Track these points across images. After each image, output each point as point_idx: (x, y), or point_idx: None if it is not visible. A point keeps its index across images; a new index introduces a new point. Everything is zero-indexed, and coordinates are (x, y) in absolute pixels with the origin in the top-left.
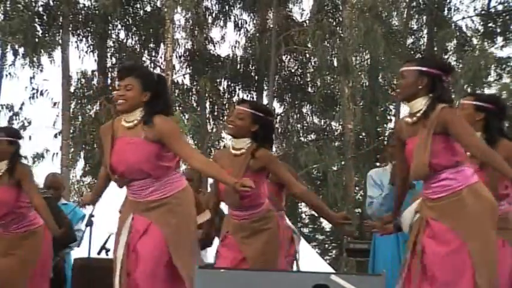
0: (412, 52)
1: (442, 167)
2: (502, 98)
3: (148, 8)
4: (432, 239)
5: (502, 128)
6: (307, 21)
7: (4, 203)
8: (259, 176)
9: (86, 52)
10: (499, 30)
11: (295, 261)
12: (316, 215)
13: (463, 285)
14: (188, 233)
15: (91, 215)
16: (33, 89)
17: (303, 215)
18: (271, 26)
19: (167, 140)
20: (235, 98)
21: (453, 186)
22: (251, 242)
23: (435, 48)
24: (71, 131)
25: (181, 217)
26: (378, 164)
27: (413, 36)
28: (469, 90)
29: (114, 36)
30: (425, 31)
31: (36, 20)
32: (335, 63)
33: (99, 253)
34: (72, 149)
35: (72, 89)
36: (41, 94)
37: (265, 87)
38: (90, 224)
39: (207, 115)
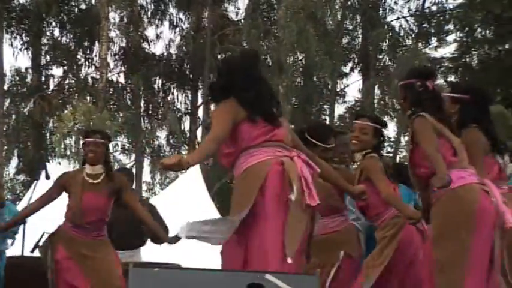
0: (347, 52)
1: (428, 175)
2: (480, 87)
3: (83, 6)
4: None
5: (480, 118)
6: (242, 21)
7: (97, 208)
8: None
9: (20, 49)
10: (433, 31)
11: None
12: None
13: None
14: None
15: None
16: None
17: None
18: (207, 24)
19: None
20: (169, 97)
21: (438, 191)
22: None
23: (370, 48)
24: (5, 129)
25: None
26: None
27: (348, 36)
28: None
29: (48, 33)
30: (359, 31)
31: None
32: (269, 63)
33: (32, 251)
34: (6, 147)
35: (6, 87)
36: None
37: (200, 86)
38: (23, 222)
39: (142, 113)
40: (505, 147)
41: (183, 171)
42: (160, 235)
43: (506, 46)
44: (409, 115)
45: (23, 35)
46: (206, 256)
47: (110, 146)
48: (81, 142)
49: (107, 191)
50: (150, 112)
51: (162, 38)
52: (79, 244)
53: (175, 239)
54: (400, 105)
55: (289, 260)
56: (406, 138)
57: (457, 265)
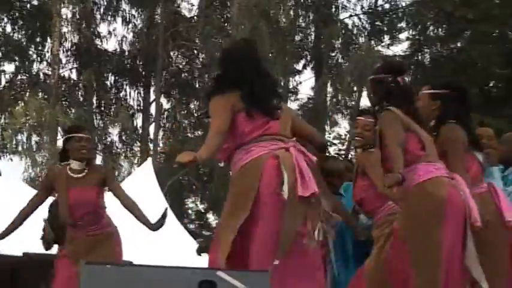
0: (300, 49)
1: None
2: (457, 82)
3: (35, 2)
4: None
5: (458, 113)
6: (195, 17)
7: (85, 202)
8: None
9: None
10: (385, 28)
11: None
12: (202, 210)
13: (405, 285)
14: None
15: None
16: None
17: (190, 211)
18: (159, 21)
19: None
20: (122, 93)
21: (407, 185)
22: None
23: (322, 46)
24: None
25: None
26: None
27: (301, 34)
28: (355, 88)
29: (0, 29)
30: (312, 29)
31: None
32: None
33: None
34: None
35: None
36: None
37: (153, 83)
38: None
39: (94, 110)
40: (483, 145)
41: (136, 168)
42: (146, 223)
43: (458, 44)
44: (377, 110)
45: None
46: (158, 253)
47: (62, 142)
48: (60, 137)
49: (93, 181)
50: (103, 108)
51: (114, 35)
52: (77, 243)
53: (159, 225)
54: (369, 99)
55: (276, 262)
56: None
57: (431, 260)
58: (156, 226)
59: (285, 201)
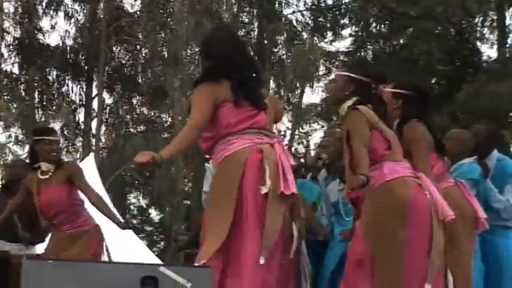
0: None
1: None
2: (420, 83)
3: None
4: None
5: (421, 113)
6: (138, 12)
7: (55, 202)
8: None
9: None
10: (328, 25)
11: None
12: (144, 206)
13: (368, 285)
14: None
15: None
16: None
17: (132, 207)
18: (102, 16)
19: None
20: (64, 88)
21: (372, 184)
22: None
23: (266, 42)
24: None
25: None
26: (207, 156)
27: (244, 29)
28: (298, 84)
29: None
30: (256, 24)
31: None
32: (166, 55)
33: None
34: None
35: None
36: None
37: (95, 78)
38: None
39: (36, 104)
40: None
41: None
42: (114, 220)
43: (401, 41)
44: (346, 108)
45: None
46: None
47: (4, 137)
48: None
49: (59, 180)
50: (45, 103)
51: (57, 29)
52: (54, 242)
53: (127, 225)
54: (336, 93)
55: (261, 261)
56: (301, 130)
57: (394, 260)
58: (125, 225)
59: (266, 197)
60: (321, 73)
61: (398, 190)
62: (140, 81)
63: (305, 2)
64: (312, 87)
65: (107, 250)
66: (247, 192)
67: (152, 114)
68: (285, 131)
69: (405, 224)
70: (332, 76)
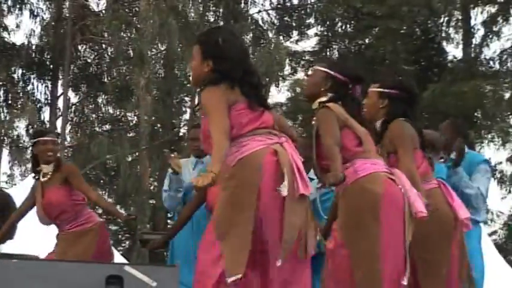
0: None
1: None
2: (409, 82)
3: None
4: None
5: (407, 112)
6: (103, 11)
7: (56, 203)
8: None
9: None
10: (294, 24)
11: None
12: None
13: (346, 283)
14: None
15: None
16: None
17: (96, 206)
18: (67, 15)
19: None
20: (29, 87)
21: (345, 183)
22: None
23: None
24: None
25: None
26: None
27: None
28: (263, 83)
29: None
30: (222, 23)
31: None
32: (131, 54)
33: None
34: None
35: None
36: None
37: (61, 77)
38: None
39: (1, 103)
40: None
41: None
42: (117, 214)
43: (366, 40)
44: (318, 104)
45: None
46: None
47: None
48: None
49: (57, 181)
50: (10, 102)
51: (22, 28)
52: (59, 242)
53: (130, 218)
54: (311, 88)
55: (278, 263)
56: None
57: (371, 258)
58: (128, 218)
59: (284, 200)
60: (286, 72)
61: (369, 185)
62: (106, 80)
63: (271, 1)
64: (278, 87)
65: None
66: (266, 197)
67: (118, 113)
68: None
69: (377, 219)
70: (310, 71)
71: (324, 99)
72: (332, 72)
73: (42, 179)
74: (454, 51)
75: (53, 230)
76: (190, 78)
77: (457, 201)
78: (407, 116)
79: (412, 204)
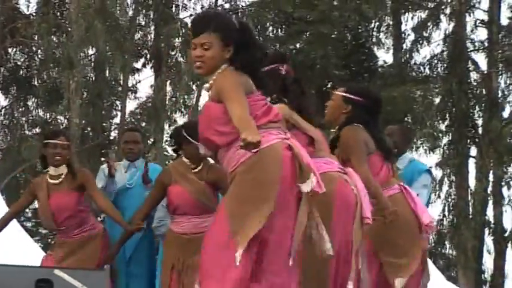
0: (139, 48)
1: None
2: (375, 91)
3: None
4: None
5: (368, 121)
6: (33, 14)
7: (65, 207)
8: None
9: None
10: None
11: None
12: None
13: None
14: None
15: None
16: None
17: (26, 209)
18: None
19: None
20: None
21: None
22: None
23: (162, 44)
24: None
25: None
26: (103, 158)
27: (140, 32)
28: (194, 86)
29: None
30: (152, 27)
31: None
32: (61, 57)
33: None
34: None
35: None
36: None
37: None
38: None
39: None
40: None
41: None
42: (125, 226)
43: (297, 45)
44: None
45: None
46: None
47: None
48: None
49: (70, 187)
50: None
51: None
52: (62, 247)
53: (135, 227)
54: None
55: (291, 262)
56: None
57: (323, 260)
58: (134, 228)
59: (299, 197)
60: None
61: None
62: (36, 83)
63: (202, 5)
64: (209, 90)
65: None
66: (283, 189)
67: (48, 116)
68: None
69: (330, 218)
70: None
71: (276, 97)
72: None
73: (50, 181)
74: (384, 56)
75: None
76: (200, 67)
77: (420, 206)
78: (367, 125)
79: (362, 207)
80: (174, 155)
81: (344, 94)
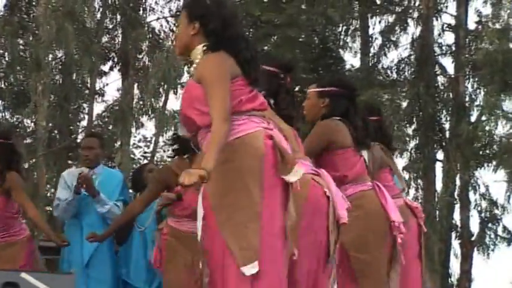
0: (107, 51)
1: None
2: (346, 79)
3: None
4: None
5: (349, 108)
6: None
7: None
8: None
9: None
10: None
11: None
12: None
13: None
14: None
15: None
16: None
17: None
18: None
19: None
20: None
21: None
22: None
23: (129, 48)
24: None
25: None
26: (70, 162)
27: (108, 35)
28: (161, 90)
29: None
30: (120, 30)
31: None
32: (27, 60)
33: None
34: None
35: None
36: None
37: None
38: None
39: None
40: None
41: None
42: (51, 237)
43: (265, 48)
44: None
45: None
46: None
47: None
48: None
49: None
50: None
51: None
52: None
53: (63, 244)
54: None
55: (295, 256)
56: (165, 138)
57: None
58: (61, 243)
59: (287, 189)
60: (184, 80)
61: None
62: (3, 86)
63: (170, 8)
64: (176, 94)
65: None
66: (269, 180)
67: (15, 119)
68: (151, 138)
69: (299, 222)
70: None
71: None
72: (266, 68)
73: None
74: (352, 60)
75: None
76: (175, 47)
77: (390, 204)
78: (348, 112)
79: (336, 208)
80: (141, 158)
81: (318, 89)
